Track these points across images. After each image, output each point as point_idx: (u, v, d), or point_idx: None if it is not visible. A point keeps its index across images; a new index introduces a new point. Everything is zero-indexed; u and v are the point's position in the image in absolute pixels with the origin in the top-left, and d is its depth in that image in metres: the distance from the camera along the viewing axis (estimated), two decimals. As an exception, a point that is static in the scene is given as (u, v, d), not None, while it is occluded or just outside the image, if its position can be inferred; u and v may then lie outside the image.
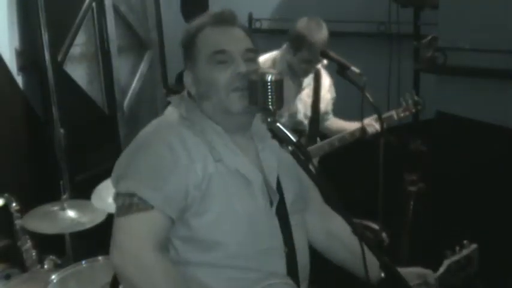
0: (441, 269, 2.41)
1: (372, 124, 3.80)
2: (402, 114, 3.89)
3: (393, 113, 3.86)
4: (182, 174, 1.92)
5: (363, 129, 3.82)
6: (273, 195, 2.10)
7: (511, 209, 3.77)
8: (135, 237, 1.87)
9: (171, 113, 2.14)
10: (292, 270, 2.10)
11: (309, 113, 3.95)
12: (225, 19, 2.13)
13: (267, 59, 3.84)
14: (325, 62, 3.74)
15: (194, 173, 1.94)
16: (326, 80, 4.01)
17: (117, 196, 1.97)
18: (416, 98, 3.89)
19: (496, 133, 3.90)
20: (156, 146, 1.97)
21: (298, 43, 3.69)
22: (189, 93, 2.16)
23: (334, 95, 4.12)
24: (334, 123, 4.11)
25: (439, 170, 4.07)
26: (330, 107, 4.11)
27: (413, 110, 3.90)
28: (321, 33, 3.67)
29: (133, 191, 1.90)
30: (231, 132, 2.08)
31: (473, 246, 2.50)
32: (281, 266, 2.08)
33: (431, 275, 2.33)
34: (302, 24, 3.73)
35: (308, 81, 3.92)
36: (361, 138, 3.87)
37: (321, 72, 3.96)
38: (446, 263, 2.43)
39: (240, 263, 2.00)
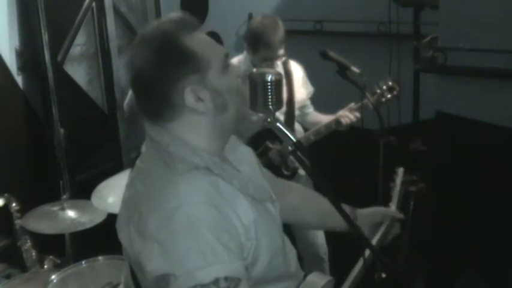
0: (394, 200, 2.66)
1: (346, 115, 3.79)
2: (379, 100, 3.81)
3: (366, 101, 3.77)
4: (236, 230, 1.72)
5: (337, 122, 3.81)
6: (276, 205, 2.06)
7: (510, 209, 3.77)
8: None
9: (178, 158, 1.79)
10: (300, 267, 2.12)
11: (284, 107, 3.92)
12: (195, 23, 1.85)
13: (233, 61, 3.86)
14: (281, 52, 3.72)
15: (241, 224, 1.74)
16: (298, 73, 4.01)
17: None
18: (390, 83, 3.83)
19: (496, 133, 3.90)
20: (205, 216, 1.66)
21: (255, 44, 3.67)
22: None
23: (311, 89, 4.11)
24: (314, 117, 4.10)
25: (439, 170, 4.07)
26: (307, 102, 4.10)
27: (389, 96, 3.83)
28: (275, 31, 3.65)
29: (217, 276, 1.61)
30: (221, 154, 1.91)
31: (401, 169, 2.88)
32: (297, 266, 2.08)
33: (396, 212, 2.44)
34: (255, 24, 3.72)
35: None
36: (337, 129, 3.85)
37: (290, 65, 3.96)
38: (394, 195, 2.61)
39: (287, 275, 1.97)
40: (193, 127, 1.81)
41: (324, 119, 4.01)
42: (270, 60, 3.69)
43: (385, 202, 3.23)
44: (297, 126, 4.04)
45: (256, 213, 1.80)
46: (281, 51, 3.69)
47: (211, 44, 1.84)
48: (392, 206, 2.66)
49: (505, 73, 3.81)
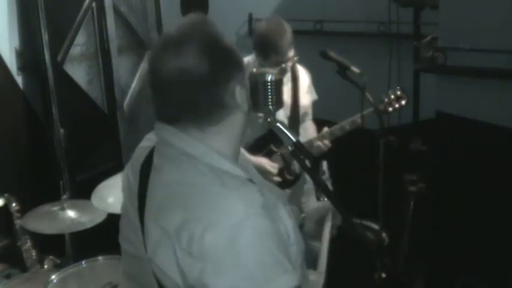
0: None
1: (348, 122, 3.78)
2: (386, 109, 3.78)
3: (371, 109, 3.75)
4: (286, 238, 1.70)
5: (341, 129, 3.80)
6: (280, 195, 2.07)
7: (510, 209, 3.77)
8: None
9: (221, 175, 1.70)
10: None
11: (288, 112, 3.93)
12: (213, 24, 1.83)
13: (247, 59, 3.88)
14: (291, 54, 3.69)
15: (286, 232, 1.71)
16: (305, 80, 4.00)
17: None
18: (399, 92, 3.81)
19: (496, 133, 3.89)
20: (266, 228, 1.61)
21: (264, 50, 3.63)
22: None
23: (315, 97, 4.09)
24: (308, 126, 4.09)
25: (439, 170, 4.07)
26: (310, 110, 4.07)
27: (397, 106, 3.81)
28: (282, 35, 3.61)
29: (297, 284, 1.60)
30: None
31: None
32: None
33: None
34: (261, 30, 3.70)
35: (285, 80, 3.87)
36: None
37: (298, 70, 3.95)
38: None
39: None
40: (230, 132, 1.78)
41: (313, 134, 3.97)
42: (281, 63, 3.66)
43: (385, 202, 3.24)
44: (302, 131, 4.02)
45: (292, 219, 1.78)
46: (291, 53, 3.67)
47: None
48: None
49: (505, 73, 3.81)
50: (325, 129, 3.84)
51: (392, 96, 3.77)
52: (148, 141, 1.92)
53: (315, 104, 4.16)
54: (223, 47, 1.73)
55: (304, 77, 4.00)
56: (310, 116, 4.13)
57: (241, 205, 1.61)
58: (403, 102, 3.79)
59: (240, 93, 1.74)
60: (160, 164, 1.78)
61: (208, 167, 1.70)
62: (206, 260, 1.56)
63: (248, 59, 3.92)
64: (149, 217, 1.73)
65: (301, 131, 4.01)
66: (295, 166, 3.86)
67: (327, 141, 3.76)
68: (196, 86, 1.68)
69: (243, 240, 1.56)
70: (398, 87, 3.84)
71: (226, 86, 1.71)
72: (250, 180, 1.73)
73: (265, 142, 3.83)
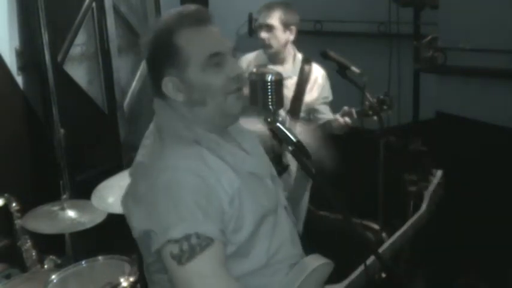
0: (425, 201, 2.62)
1: (337, 118, 3.74)
2: (365, 112, 3.74)
3: (352, 110, 3.72)
4: (217, 197, 1.84)
5: (329, 124, 3.79)
6: (276, 181, 2.12)
7: (511, 208, 3.77)
8: (212, 276, 1.79)
9: (169, 131, 1.97)
10: (302, 244, 2.18)
11: (287, 106, 3.85)
12: (204, 18, 1.97)
13: (248, 57, 4.00)
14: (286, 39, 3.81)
15: (224, 192, 1.85)
16: (315, 78, 3.96)
17: (169, 245, 1.77)
18: (382, 96, 3.74)
19: (495, 133, 3.90)
20: (186, 180, 1.82)
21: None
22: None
23: (326, 94, 4.01)
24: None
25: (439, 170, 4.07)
26: (321, 107, 4.02)
27: (378, 110, 3.72)
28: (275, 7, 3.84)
29: (188, 232, 1.75)
30: (219, 132, 2.02)
31: (440, 172, 2.88)
32: (300, 247, 2.15)
33: None
34: None
35: (288, 72, 3.86)
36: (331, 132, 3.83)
37: (310, 66, 3.95)
38: (427, 194, 2.63)
39: (282, 256, 2.02)
40: (178, 110, 1.99)
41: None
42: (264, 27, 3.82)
43: (385, 202, 3.24)
44: (299, 128, 4.00)
45: (243, 185, 1.91)
46: (281, 32, 3.81)
47: (201, 41, 1.93)
48: (424, 206, 2.68)
49: (505, 73, 3.82)
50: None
51: (375, 100, 3.67)
52: None
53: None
54: (167, 43, 1.93)
55: (317, 75, 3.96)
56: (324, 114, 3.99)
57: (168, 158, 1.88)
58: (385, 107, 3.68)
59: (171, 85, 1.94)
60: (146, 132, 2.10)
61: (165, 128, 1.98)
62: (136, 203, 1.90)
63: (249, 56, 3.94)
64: None
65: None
66: (286, 157, 3.85)
67: (347, 119, 3.73)
68: (146, 64, 2.03)
69: (159, 186, 1.82)
70: (384, 92, 3.75)
71: (157, 74, 1.96)
72: (197, 142, 1.93)
73: None
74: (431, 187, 2.82)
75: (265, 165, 2.15)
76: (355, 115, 3.64)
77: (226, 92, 1.94)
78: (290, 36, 3.85)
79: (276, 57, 3.87)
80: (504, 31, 3.74)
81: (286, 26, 3.80)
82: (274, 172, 2.18)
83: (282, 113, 3.79)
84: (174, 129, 1.96)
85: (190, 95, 1.93)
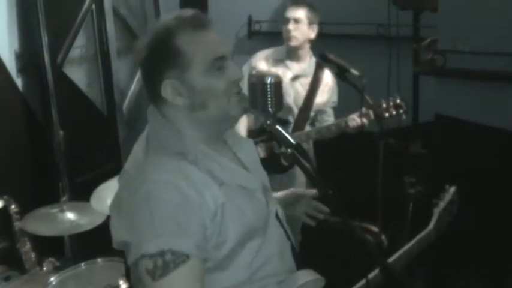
0: (434, 219, 2.54)
1: (354, 118, 3.80)
2: (382, 114, 3.79)
3: (369, 112, 3.79)
4: (198, 212, 1.80)
5: (345, 123, 3.82)
6: (268, 194, 2.10)
7: (510, 211, 3.77)
8: None
9: (155, 141, 1.95)
10: (296, 259, 2.12)
11: (300, 103, 3.97)
12: (203, 22, 1.94)
13: (261, 55, 4.10)
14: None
15: (207, 207, 1.82)
16: (327, 79, 4.08)
17: (144, 260, 1.75)
18: (398, 101, 3.82)
19: (495, 135, 3.90)
20: (164, 194, 1.79)
21: None
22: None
23: (334, 99, 4.16)
24: None
25: (439, 173, 4.07)
26: (329, 109, 4.12)
27: (394, 113, 3.81)
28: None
29: (163, 248, 1.73)
30: (214, 141, 1.99)
31: (453, 189, 2.74)
32: (291, 261, 2.10)
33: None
34: None
35: (304, 70, 3.97)
36: (345, 132, 3.86)
37: (323, 69, 4.03)
38: (436, 211, 2.56)
39: (267, 273, 1.98)
40: (177, 116, 1.94)
41: None
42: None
43: (385, 204, 3.23)
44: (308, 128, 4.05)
45: (228, 199, 1.87)
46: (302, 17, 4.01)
47: (204, 44, 1.90)
48: (431, 224, 2.61)
49: (504, 76, 3.82)
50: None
51: (391, 103, 3.78)
52: None
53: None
54: (167, 45, 1.89)
55: (327, 78, 4.09)
56: (331, 117, 4.19)
57: (149, 169, 1.86)
58: (401, 111, 3.77)
59: (170, 89, 1.90)
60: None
61: (154, 137, 1.96)
62: (118, 212, 1.90)
63: (266, 52, 4.01)
64: None
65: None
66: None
67: (365, 119, 3.80)
68: (141, 68, 1.97)
69: (137, 199, 1.80)
70: (399, 96, 3.82)
71: (155, 77, 1.92)
72: (183, 154, 1.89)
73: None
74: (442, 204, 2.73)
75: (258, 178, 2.09)
76: (372, 116, 3.70)
77: (229, 94, 1.92)
78: (312, 33, 4.02)
79: (294, 53, 4.01)
80: (503, 34, 3.74)
81: (310, 22, 3.98)
82: (268, 184, 2.13)
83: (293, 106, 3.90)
84: (160, 139, 1.94)
85: (191, 99, 1.90)
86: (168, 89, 1.90)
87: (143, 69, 1.97)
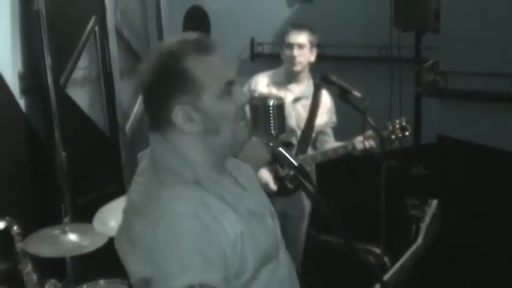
0: (422, 233, 2.59)
1: (361, 141, 3.81)
2: (389, 136, 3.82)
3: (375, 134, 3.80)
4: (219, 243, 1.75)
5: (352, 146, 3.83)
6: (274, 217, 2.09)
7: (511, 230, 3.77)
8: None
9: (167, 169, 1.86)
10: (300, 282, 2.11)
11: (302, 125, 3.97)
12: (209, 46, 1.88)
13: (260, 77, 4.04)
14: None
15: (227, 237, 1.77)
16: (326, 100, 4.06)
17: None
18: (404, 123, 3.83)
19: (497, 157, 3.90)
20: (188, 227, 1.72)
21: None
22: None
23: (334, 119, 4.14)
24: (333, 145, 4.12)
25: (441, 194, 4.06)
26: (329, 130, 4.12)
27: (400, 135, 3.83)
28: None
29: (191, 282, 1.67)
30: (219, 167, 1.95)
31: (435, 202, 2.76)
32: (298, 284, 2.09)
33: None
34: None
35: (304, 92, 3.97)
36: (351, 154, 3.87)
37: (322, 90, 4.01)
38: (423, 226, 2.60)
39: None
40: (186, 142, 1.87)
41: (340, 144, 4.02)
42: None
43: (387, 226, 3.23)
44: (311, 152, 4.04)
45: (244, 227, 1.82)
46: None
47: (214, 68, 1.84)
48: (419, 239, 2.65)
49: (505, 97, 3.83)
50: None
51: (398, 126, 3.79)
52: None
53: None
54: (177, 69, 1.81)
55: (326, 99, 4.07)
56: (331, 137, 4.17)
57: (168, 201, 1.77)
58: (407, 133, 3.79)
59: (181, 115, 1.82)
60: (140, 166, 1.99)
61: (162, 164, 1.87)
62: (131, 246, 1.78)
63: (265, 75, 4.01)
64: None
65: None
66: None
67: (372, 142, 3.78)
68: (145, 93, 1.88)
69: (159, 234, 1.71)
70: (404, 118, 3.83)
71: (164, 103, 1.83)
72: (197, 183, 1.82)
73: None
74: (428, 219, 2.79)
75: (264, 202, 2.08)
76: (377, 138, 3.70)
77: (238, 119, 1.89)
78: (313, 56, 3.98)
79: (296, 76, 3.98)
80: (505, 55, 3.76)
81: (312, 46, 3.94)
82: (272, 208, 2.11)
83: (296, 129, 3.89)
84: (172, 167, 1.86)
85: (204, 124, 1.84)
86: (179, 114, 1.82)
87: (148, 94, 1.88)
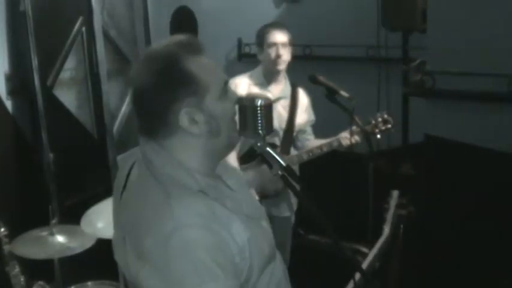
0: (387, 224, 2.77)
1: (346, 137, 3.82)
2: (373, 130, 3.83)
3: (359, 130, 3.82)
4: (229, 251, 1.73)
5: (338, 142, 3.84)
6: (266, 217, 2.09)
7: (500, 231, 3.78)
8: None
9: (172, 181, 1.80)
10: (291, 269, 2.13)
11: (283, 125, 3.97)
12: (200, 47, 1.85)
13: (240, 79, 4.02)
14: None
15: (235, 244, 1.75)
16: (304, 99, 4.08)
17: None
18: (386, 116, 3.86)
19: (484, 156, 3.91)
20: (202, 238, 1.69)
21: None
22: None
23: (312, 117, 4.16)
24: (315, 143, 4.12)
25: (429, 193, 4.08)
26: (308, 128, 4.12)
27: (383, 128, 3.86)
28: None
29: None
30: (212, 172, 1.92)
31: (396, 193, 2.95)
32: (289, 281, 2.09)
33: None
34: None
35: (283, 92, 3.97)
36: (337, 149, 3.89)
37: (298, 89, 4.03)
38: (388, 217, 2.80)
39: None
40: (186, 147, 1.82)
41: (322, 142, 4.03)
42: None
43: (375, 225, 3.23)
44: (293, 151, 4.04)
45: (250, 233, 1.80)
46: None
47: (213, 69, 1.84)
48: (386, 229, 2.72)
49: (493, 96, 3.84)
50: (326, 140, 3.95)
51: (380, 119, 3.81)
52: (129, 156, 2.01)
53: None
54: (181, 71, 1.78)
55: (303, 98, 4.08)
56: (311, 135, 4.18)
57: (178, 214, 1.71)
58: (389, 126, 3.82)
59: (187, 117, 1.77)
60: (134, 174, 1.93)
61: (164, 175, 1.80)
62: (143, 261, 1.72)
63: (242, 77, 3.98)
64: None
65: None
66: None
67: (357, 137, 3.82)
68: (143, 100, 1.82)
69: (173, 248, 1.66)
70: (385, 111, 3.87)
71: (169, 107, 1.77)
72: (203, 192, 1.78)
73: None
74: (391, 209, 2.87)
75: (258, 204, 2.08)
76: (362, 133, 3.72)
77: (233, 119, 1.89)
78: (290, 55, 3.96)
79: (276, 77, 3.97)
80: (492, 55, 3.77)
81: (290, 44, 3.93)
82: (263, 209, 2.10)
83: (279, 129, 3.90)
84: (175, 178, 1.80)
85: (208, 125, 1.81)
86: (185, 117, 1.77)
87: (146, 100, 1.82)
